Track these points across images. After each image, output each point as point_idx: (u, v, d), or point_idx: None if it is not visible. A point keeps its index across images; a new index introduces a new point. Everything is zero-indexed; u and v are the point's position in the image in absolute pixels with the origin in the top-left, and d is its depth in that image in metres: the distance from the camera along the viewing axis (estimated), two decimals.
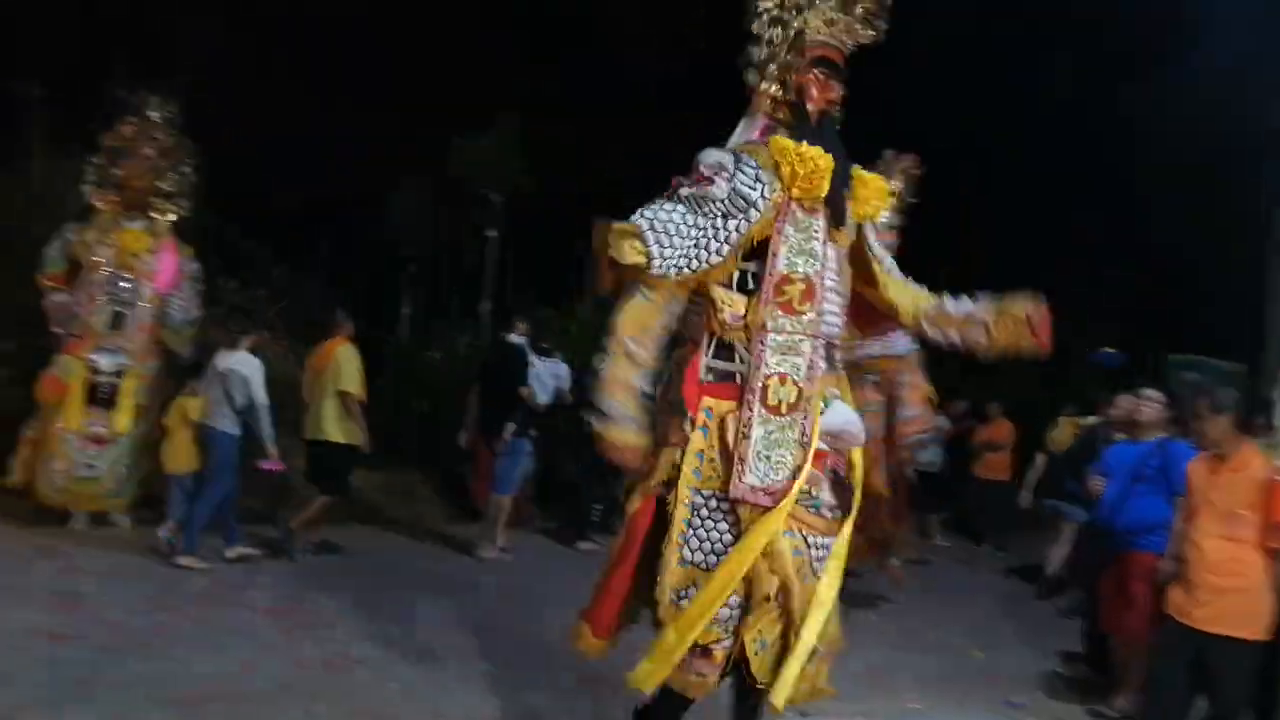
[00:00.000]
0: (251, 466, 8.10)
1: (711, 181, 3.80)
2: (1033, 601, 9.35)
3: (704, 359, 3.94)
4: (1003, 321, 4.10)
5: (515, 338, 9.48)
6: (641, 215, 3.80)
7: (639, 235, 3.73)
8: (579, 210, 16.61)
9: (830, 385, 3.99)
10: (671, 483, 3.90)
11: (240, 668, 5.57)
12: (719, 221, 3.79)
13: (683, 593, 3.85)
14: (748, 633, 3.84)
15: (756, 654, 3.87)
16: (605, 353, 3.86)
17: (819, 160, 3.83)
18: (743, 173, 3.82)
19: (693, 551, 3.84)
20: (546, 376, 9.89)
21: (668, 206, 3.82)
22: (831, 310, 3.95)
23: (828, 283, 3.91)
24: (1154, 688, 5.25)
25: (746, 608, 3.85)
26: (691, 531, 3.85)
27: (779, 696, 3.84)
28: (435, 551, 9.36)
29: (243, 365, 7.86)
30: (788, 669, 3.84)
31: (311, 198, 14.55)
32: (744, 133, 4.09)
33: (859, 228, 4.16)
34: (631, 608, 4.14)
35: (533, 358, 9.60)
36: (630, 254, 3.73)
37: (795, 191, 3.82)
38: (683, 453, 3.87)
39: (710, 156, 3.87)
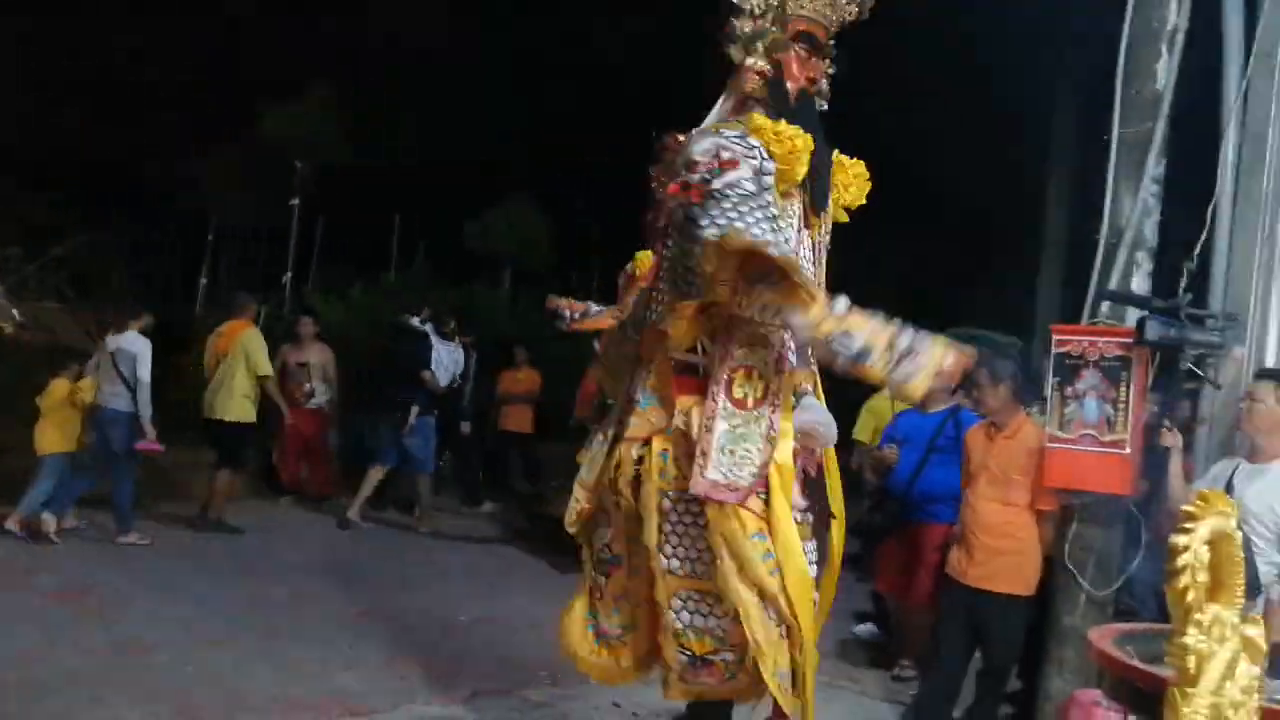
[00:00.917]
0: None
1: (736, 164, 3.51)
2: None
3: (669, 351, 3.73)
4: (929, 368, 3.70)
5: (417, 321, 9.93)
6: (729, 225, 3.42)
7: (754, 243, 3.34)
8: (393, 181, 16.29)
9: (804, 381, 3.81)
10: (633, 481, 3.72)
11: (21, 655, 5.29)
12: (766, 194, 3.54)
13: (675, 605, 3.69)
14: (765, 667, 3.58)
15: (781, 689, 3.62)
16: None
17: (797, 140, 3.61)
18: (741, 145, 3.56)
19: (668, 558, 3.65)
20: (448, 360, 10.21)
21: (734, 205, 3.47)
22: None
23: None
24: (936, 645, 5.58)
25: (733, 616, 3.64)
26: (666, 538, 3.66)
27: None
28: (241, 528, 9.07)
29: (132, 344, 8.02)
30: (807, 691, 3.67)
31: (109, 161, 13.87)
32: (720, 110, 3.89)
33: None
34: None
35: (435, 340, 9.95)
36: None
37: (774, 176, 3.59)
38: (647, 450, 3.69)
39: (702, 144, 3.59)
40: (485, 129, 15.86)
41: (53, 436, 7.98)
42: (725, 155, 3.52)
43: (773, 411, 3.59)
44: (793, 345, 3.66)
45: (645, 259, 4.53)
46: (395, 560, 8.52)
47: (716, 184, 3.49)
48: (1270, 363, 5.15)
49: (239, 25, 14.88)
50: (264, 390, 9.10)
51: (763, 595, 3.53)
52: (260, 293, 13.08)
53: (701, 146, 3.58)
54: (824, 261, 3.90)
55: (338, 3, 15.22)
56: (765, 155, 3.56)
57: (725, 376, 3.59)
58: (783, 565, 3.52)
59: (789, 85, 3.76)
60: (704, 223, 3.48)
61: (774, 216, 3.53)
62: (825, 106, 3.96)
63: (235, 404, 8.81)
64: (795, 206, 3.69)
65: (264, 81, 14.31)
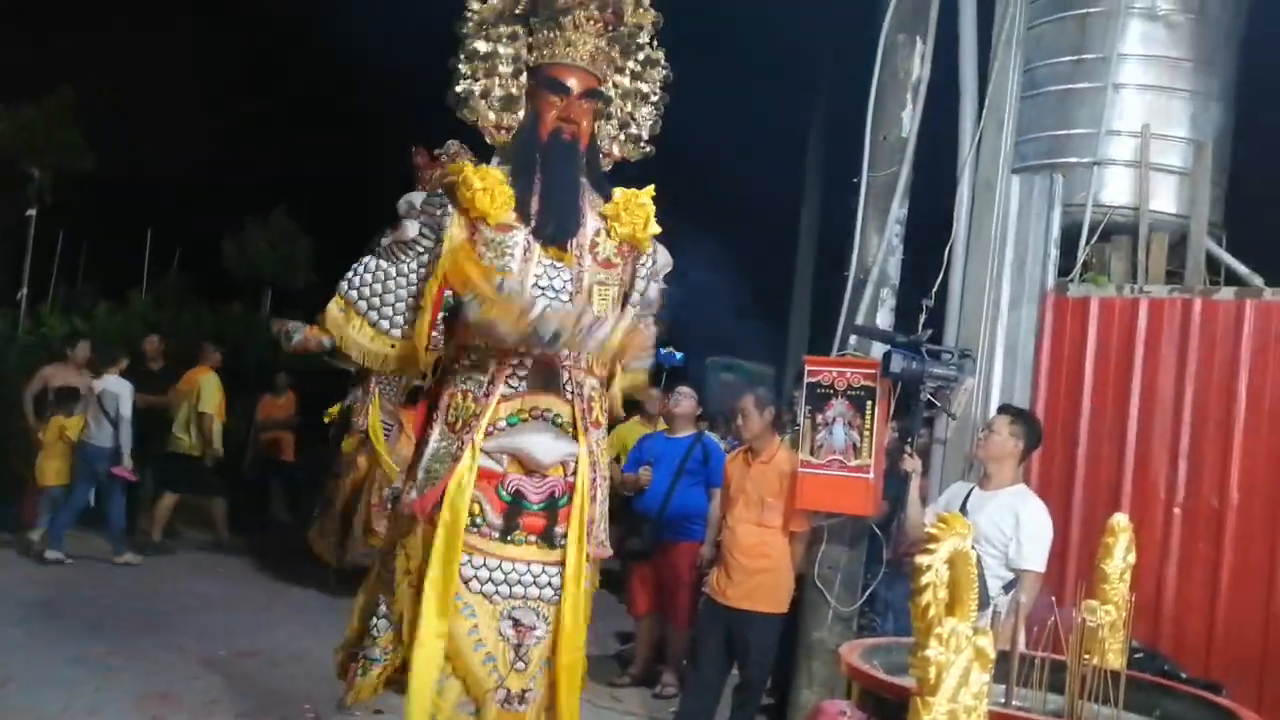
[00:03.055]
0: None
1: (396, 226, 3.83)
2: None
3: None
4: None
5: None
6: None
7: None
8: (143, 192, 15.30)
9: (551, 407, 3.80)
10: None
11: None
12: (417, 258, 3.84)
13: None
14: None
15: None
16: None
17: (476, 180, 3.73)
18: (431, 206, 3.84)
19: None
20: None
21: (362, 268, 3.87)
22: None
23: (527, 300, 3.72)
24: (695, 661, 5.75)
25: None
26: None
27: None
28: None
29: (115, 386, 9.09)
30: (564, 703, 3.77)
31: None
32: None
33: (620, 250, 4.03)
34: None
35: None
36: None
37: (471, 212, 3.76)
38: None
39: (401, 204, 3.88)
40: (241, 140, 15.29)
41: (53, 470, 9.08)
42: (400, 213, 3.86)
43: (467, 433, 3.73)
44: (524, 372, 3.77)
45: None
46: (148, 594, 8.02)
47: (385, 239, 3.88)
48: (997, 394, 5.59)
49: None
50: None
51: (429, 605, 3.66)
52: None
53: (403, 200, 3.89)
54: (595, 291, 3.92)
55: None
56: (438, 207, 3.82)
57: (445, 403, 3.82)
58: (485, 585, 3.70)
59: (538, 132, 3.90)
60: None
61: (393, 276, 3.84)
62: (653, 141, 4.20)
63: (187, 439, 9.83)
64: (519, 237, 3.81)
65: None
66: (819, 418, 5.54)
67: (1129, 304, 5.57)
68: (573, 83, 3.89)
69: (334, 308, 3.83)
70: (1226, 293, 5.48)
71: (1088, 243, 5.83)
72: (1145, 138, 5.83)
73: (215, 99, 15.32)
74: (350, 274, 3.86)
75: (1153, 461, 5.45)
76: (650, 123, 4.20)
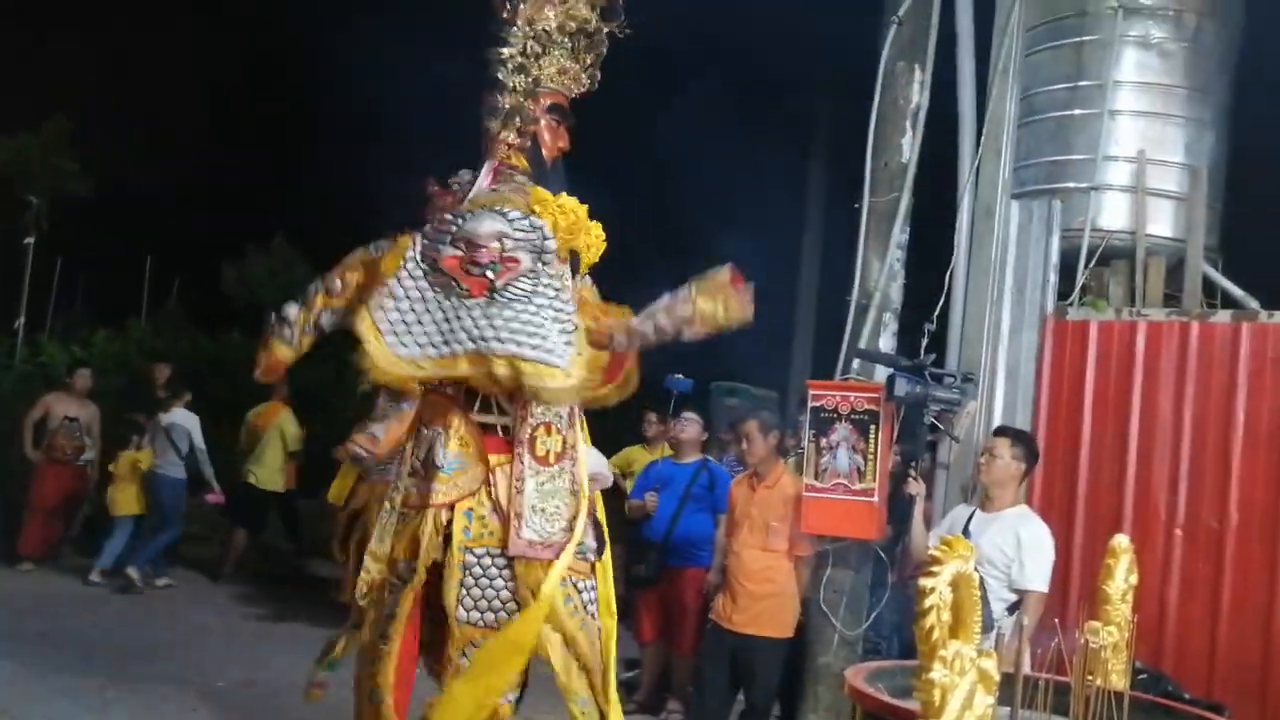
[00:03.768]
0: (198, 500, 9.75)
1: (516, 262, 3.62)
2: None
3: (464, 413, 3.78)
4: (710, 289, 3.82)
5: None
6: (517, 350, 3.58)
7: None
8: (144, 218, 15.25)
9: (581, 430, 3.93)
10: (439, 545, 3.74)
11: None
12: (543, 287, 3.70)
13: (465, 651, 3.70)
14: (569, 698, 3.73)
15: (583, 714, 3.75)
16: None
17: (578, 210, 3.79)
18: (523, 231, 3.67)
19: (468, 610, 3.69)
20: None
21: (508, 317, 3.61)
22: None
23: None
24: (700, 687, 5.77)
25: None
26: (466, 591, 3.68)
27: None
28: None
29: (184, 420, 9.57)
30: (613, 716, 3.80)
31: None
32: (483, 177, 3.95)
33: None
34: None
35: None
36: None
37: (556, 241, 3.72)
38: (450, 513, 3.71)
39: (486, 224, 3.64)
40: (241, 166, 15.35)
41: (124, 499, 9.32)
42: (508, 247, 3.62)
43: (573, 465, 3.76)
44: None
45: None
46: (143, 625, 7.98)
47: (499, 283, 3.60)
48: (998, 417, 5.64)
49: None
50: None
51: (565, 638, 3.70)
52: None
53: (486, 228, 3.64)
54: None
55: (68, 23, 14.42)
56: (546, 233, 3.69)
57: (528, 435, 3.71)
58: (588, 606, 3.76)
59: (544, 154, 3.95)
60: (470, 333, 3.61)
61: (553, 300, 3.67)
62: None
63: (266, 473, 10.00)
64: (568, 269, 3.84)
65: None
66: (823, 442, 5.58)
67: (1127, 327, 5.62)
68: (567, 110, 3.99)
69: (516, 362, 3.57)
70: (1223, 316, 5.55)
71: (1086, 267, 5.90)
72: (1141, 163, 5.91)
73: (214, 125, 15.38)
74: (501, 329, 3.59)
75: (1153, 483, 5.50)
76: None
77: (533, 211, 3.72)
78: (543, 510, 3.67)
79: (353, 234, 4.13)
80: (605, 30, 4.01)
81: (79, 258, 14.69)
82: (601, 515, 4.01)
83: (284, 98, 15.45)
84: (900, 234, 6.03)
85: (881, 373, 5.65)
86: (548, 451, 3.72)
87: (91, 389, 10.13)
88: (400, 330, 3.65)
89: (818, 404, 5.65)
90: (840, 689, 4.56)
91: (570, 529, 3.69)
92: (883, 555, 5.72)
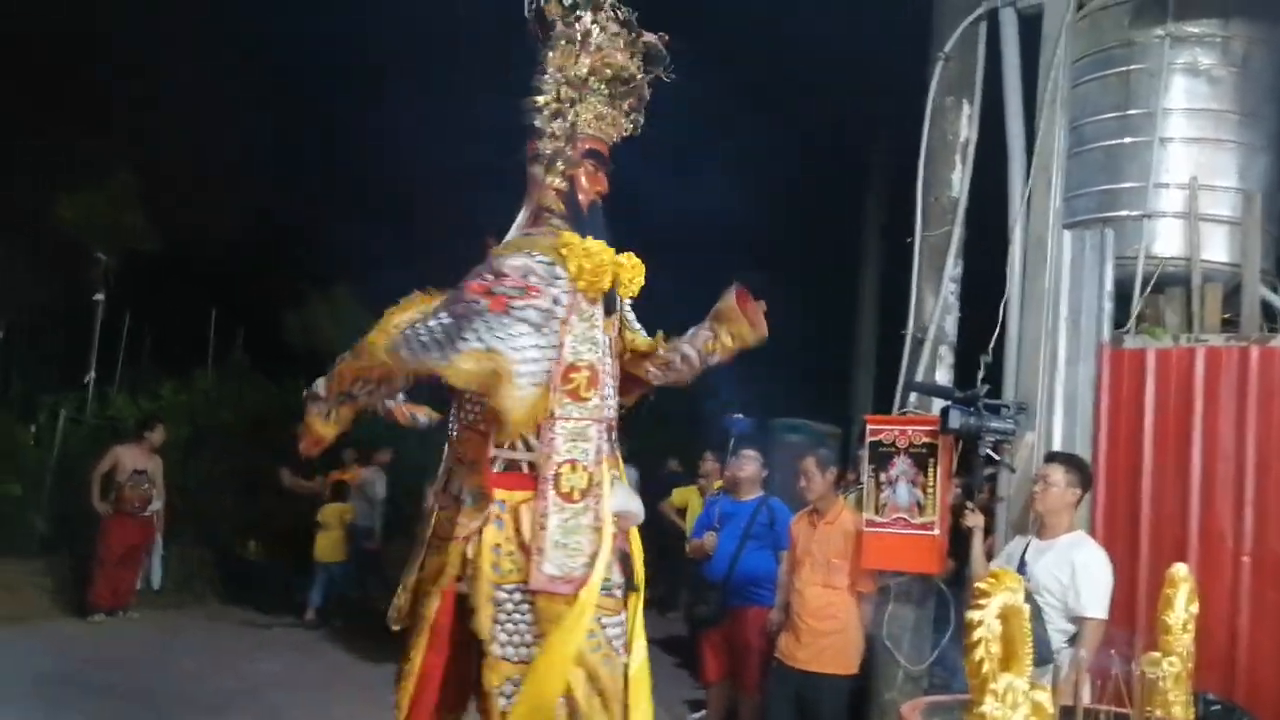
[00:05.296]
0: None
1: (539, 292, 3.76)
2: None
3: (490, 449, 3.82)
4: (721, 314, 4.02)
5: None
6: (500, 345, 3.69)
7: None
8: (207, 271, 15.55)
9: (612, 467, 3.95)
10: (467, 578, 3.79)
11: None
12: (548, 329, 3.79)
13: (507, 690, 3.75)
14: None
15: None
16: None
17: (604, 255, 3.86)
18: (551, 275, 3.81)
19: (502, 646, 3.74)
20: None
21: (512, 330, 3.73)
22: (611, 394, 3.96)
23: (607, 368, 3.93)
24: None
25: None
26: (499, 627, 3.74)
27: None
28: (41, 650, 8.33)
29: (376, 475, 11.26)
30: None
31: None
32: (521, 221, 4.10)
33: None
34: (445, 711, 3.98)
35: None
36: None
37: (581, 284, 3.83)
38: (477, 547, 3.76)
39: (515, 261, 3.80)
40: (303, 216, 15.62)
41: (332, 548, 10.76)
42: (533, 281, 3.78)
43: (596, 502, 3.79)
44: (604, 433, 3.87)
45: None
46: (211, 674, 8.08)
47: (516, 304, 3.74)
48: (1057, 447, 5.61)
49: (28, 107, 14.24)
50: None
51: (588, 673, 3.71)
52: (57, 394, 12.52)
53: (514, 263, 3.80)
54: (617, 354, 4.11)
55: (134, 84, 14.75)
56: (565, 288, 3.82)
57: (553, 472, 3.77)
58: (613, 642, 3.77)
59: (580, 198, 4.04)
60: (478, 331, 3.70)
61: (543, 349, 3.78)
62: None
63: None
64: (599, 309, 3.93)
65: (58, 165, 13.71)
66: (882, 476, 5.60)
67: (1185, 354, 5.58)
68: (605, 155, 4.07)
69: (491, 351, 3.69)
70: None
71: (1141, 294, 5.87)
72: (1194, 189, 5.88)
73: (275, 175, 15.67)
74: (498, 330, 3.71)
75: (1218, 511, 5.42)
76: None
77: (559, 255, 3.84)
78: (564, 545, 3.72)
79: (415, 281, 4.23)
80: (645, 77, 4.09)
81: (145, 312, 15.04)
82: (637, 552, 4.03)
83: (346, 147, 15.77)
84: (953, 267, 6.06)
85: (939, 406, 5.65)
86: (572, 488, 3.77)
87: (164, 442, 10.42)
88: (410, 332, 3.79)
89: (876, 438, 5.67)
90: None
91: (591, 564, 3.72)
92: (944, 590, 5.70)
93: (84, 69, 14.49)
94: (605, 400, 3.90)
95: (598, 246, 3.88)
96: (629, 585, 3.93)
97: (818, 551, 5.64)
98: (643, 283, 4.17)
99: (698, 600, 6.68)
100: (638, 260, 4.14)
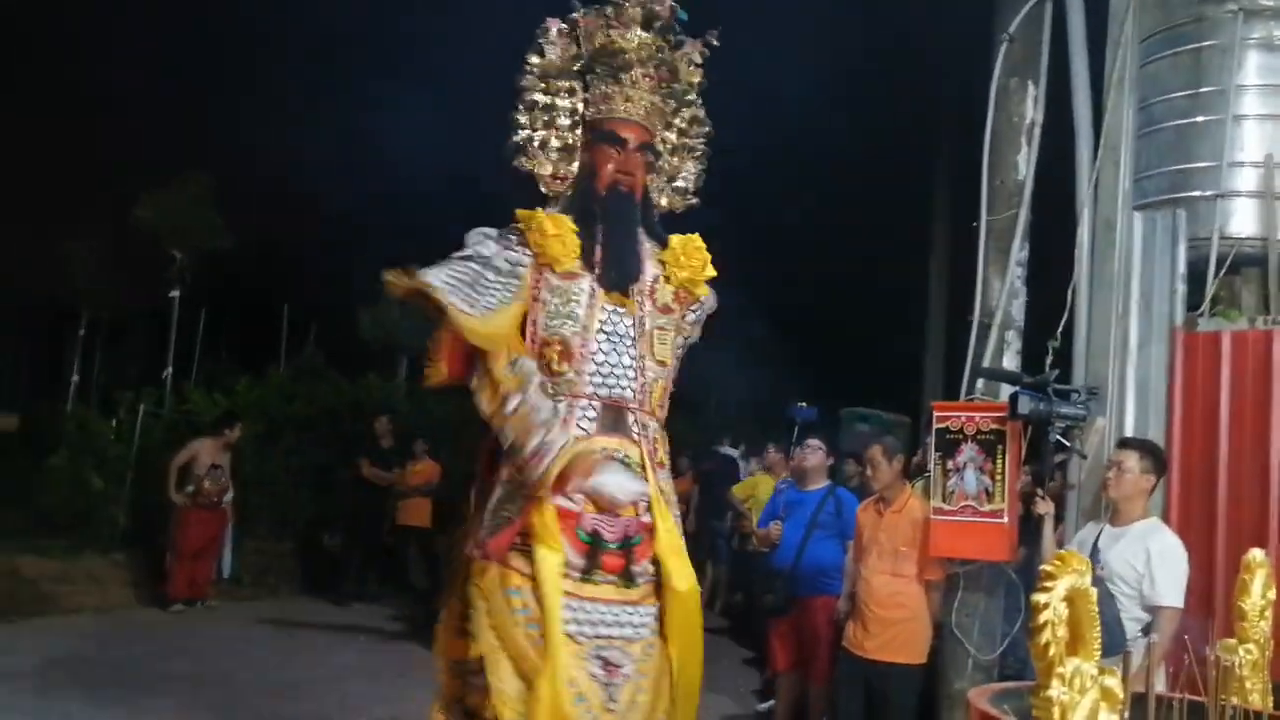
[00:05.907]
0: None
1: (480, 243, 3.88)
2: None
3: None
4: None
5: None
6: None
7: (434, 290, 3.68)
8: (279, 268, 15.85)
9: (620, 448, 3.87)
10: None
11: None
12: (497, 274, 3.84)
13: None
14: (499, 711, 3.65)
15: None
16: None
17: (546, 225, 3.88)
18: (508, 240, 3.91)
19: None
20: None
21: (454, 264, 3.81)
22: (604, 372, 3.88)
23: (594, 345, 3.88)
24: (835, 716, 5.76)
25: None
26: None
27: None
28: (124, 639, 8.63)
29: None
30: None
31: None
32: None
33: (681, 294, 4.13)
34: None
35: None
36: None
37: (540, 259, 3.89)
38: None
39: (474, 233, 3.93)
40: (373, 214, 15.82)
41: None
42: (482, 237, 3.91)
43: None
44: (594, 414, 3.84)
45: None
46: (286, 665, 8.25)
47: (461, 253, 3.87)
48: (1130, 433, 5.51)
49: (107, 109, 14.57)
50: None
51: (506, 647, 3.66)
52: (136, 389, 12.85)
53: (471, 235, 3.93)
54: (656, 336, 4.03)
55: (210, 87, 15.02)
56: (525, 258, 3.88)
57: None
58: (539, 621, 3.64)
59: (596, 183, 4.03)
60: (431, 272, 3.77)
61: (474, 281, 3.79)
62: (695, 196, 4.29)
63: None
64: (584, 285, 3.93)
65: (136, 166, 14.01)
66: (949, 463, 5.54)
67: (1262, 336, 5.45)
68: (629, 137, 4.02)
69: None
70: None
71: (1216, 276, 5.73)
72: (1269, 167, 5.73)
73: (343, 174, 15.90)
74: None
75: None
76: (695, 176, 4.33)
77: (518, 226, 3.93)
78: (495, 513, 3.75)
79: None
80: (656, 56, 4.04)
81: (221, 308, 15.35)
82: (671, 541, 3.88)
83: (423, 146, 15.94)
84: (1019, 251, 5.98)
85: (1007, 392, 5.58)
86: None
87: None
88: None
89: (942, 425, 5.62)
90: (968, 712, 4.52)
91: (504, 531, 3.69)
92: (1015, 578, 5.63)
93: (160, 74, 14.83)
94: (586, 376, 3.84)
95: (542, 218, 3.92)
96: (592, 565, 3.75)
97: (885, 540, 5.61)
98: (703, 270, 4.12)
99: (764, 589, 6.67)
100: (694, 244, 4.11)
